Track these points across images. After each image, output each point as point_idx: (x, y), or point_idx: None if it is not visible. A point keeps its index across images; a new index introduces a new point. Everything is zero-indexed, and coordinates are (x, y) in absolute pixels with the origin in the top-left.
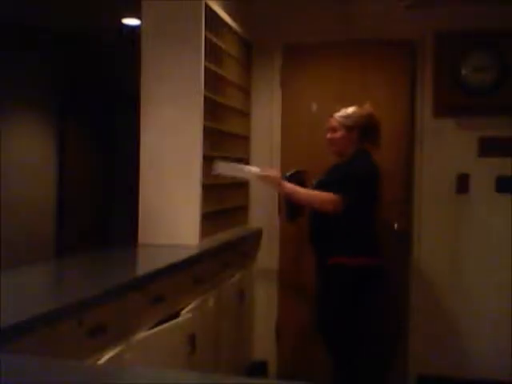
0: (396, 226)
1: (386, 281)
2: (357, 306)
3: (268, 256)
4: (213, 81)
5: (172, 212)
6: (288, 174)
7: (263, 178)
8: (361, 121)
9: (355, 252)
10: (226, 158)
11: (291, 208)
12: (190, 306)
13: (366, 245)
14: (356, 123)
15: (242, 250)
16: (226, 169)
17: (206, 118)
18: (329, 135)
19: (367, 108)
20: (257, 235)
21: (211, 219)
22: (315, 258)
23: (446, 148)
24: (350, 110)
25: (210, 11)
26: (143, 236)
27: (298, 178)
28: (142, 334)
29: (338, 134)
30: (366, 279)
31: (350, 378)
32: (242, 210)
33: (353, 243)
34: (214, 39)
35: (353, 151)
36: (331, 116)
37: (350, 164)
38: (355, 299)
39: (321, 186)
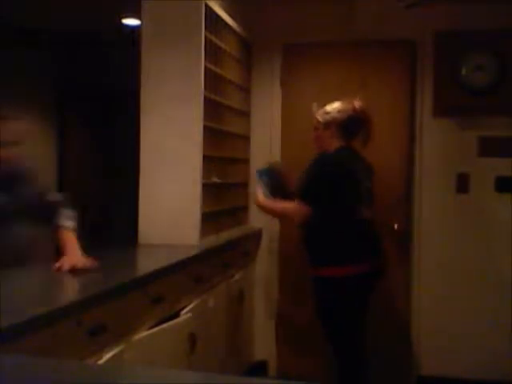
0: (396, 226)
1: (386, 281)
2: (353, 310)
3: (268, 256)
4: (213, 81)
5: (172, 212)
6: (260, 169)
7: None
8: (339, 117)
9: (339, 262)
10: (227, 159)
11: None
12: (189, 306)
13: (349, 253)
14: (334, 119)
15: (242, 249)
16: None
17: (205, 118)
18: (312, 134)
19: (353, 102)
20: (257, 235)
21: (211, 219)
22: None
23: (445, 148)
24: (333, 105)
25: (210, 11)
26: (143, 236)
27: (270, 174)
28: (141, 334)
29: (317, 133)
30: (359, 284)
31: (352, 378)
32: (242, 210)
33: (335, 253)
34: (214, 39)
35: (333, 149)
36: None
37: (314, 165)
38: (350, 304)
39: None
